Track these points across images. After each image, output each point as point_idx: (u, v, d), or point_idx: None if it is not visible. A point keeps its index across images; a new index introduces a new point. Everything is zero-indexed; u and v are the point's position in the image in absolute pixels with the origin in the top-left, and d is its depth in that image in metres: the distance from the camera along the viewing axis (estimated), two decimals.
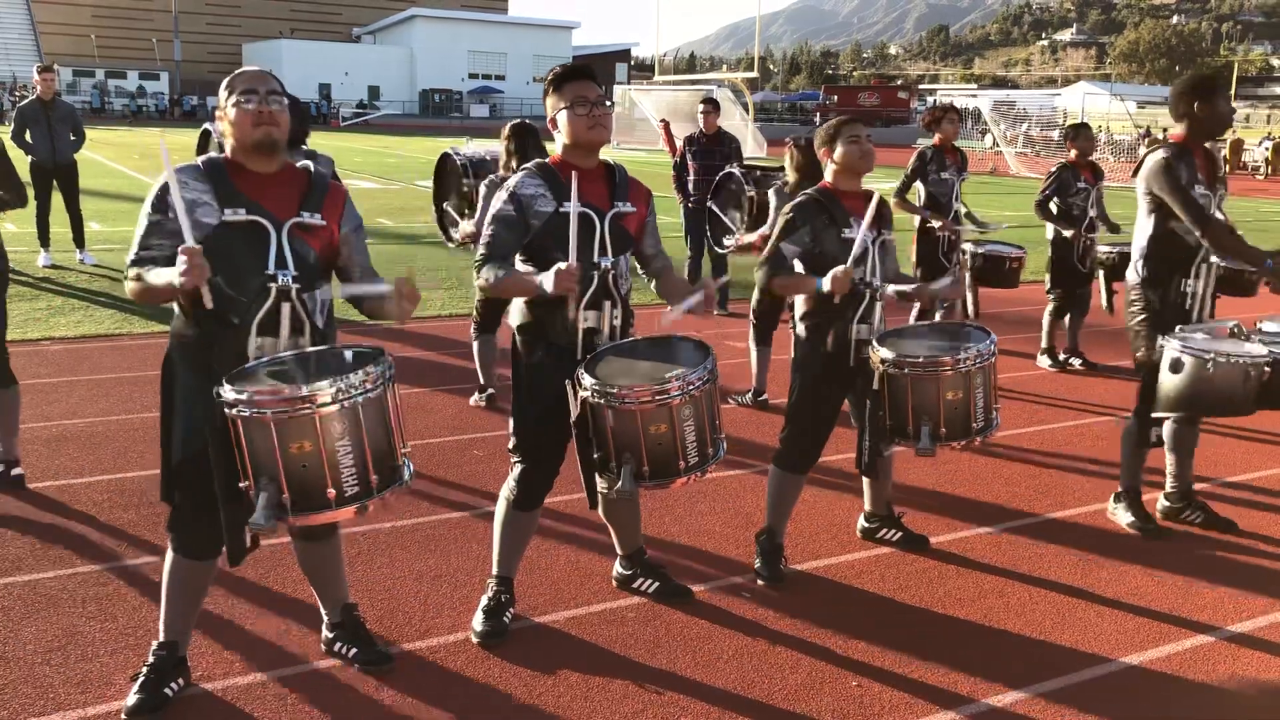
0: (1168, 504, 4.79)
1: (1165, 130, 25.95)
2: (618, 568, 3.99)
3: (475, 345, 6.28)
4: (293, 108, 5.27)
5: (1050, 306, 7.75)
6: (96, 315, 8.38)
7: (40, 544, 4.17)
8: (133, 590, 3.81)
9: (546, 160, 3.49)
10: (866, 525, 4.53)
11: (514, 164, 5.79)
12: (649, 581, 3.92)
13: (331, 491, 2.74)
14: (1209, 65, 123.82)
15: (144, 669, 3.10)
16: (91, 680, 3.22)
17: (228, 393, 2.70)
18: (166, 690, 3.07)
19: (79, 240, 10.66)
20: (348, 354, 2.97)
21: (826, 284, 3.80)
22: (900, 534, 4.46)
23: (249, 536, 2.92)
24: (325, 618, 3.45)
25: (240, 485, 2.76)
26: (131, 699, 3.03)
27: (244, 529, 2.88)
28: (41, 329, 7.89)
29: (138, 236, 2.93)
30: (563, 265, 3.18)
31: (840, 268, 3.77)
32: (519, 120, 5.93)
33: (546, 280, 3.20)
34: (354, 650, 3.37)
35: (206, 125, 5.56)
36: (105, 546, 4.17)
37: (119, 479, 4.90)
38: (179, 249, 2.73)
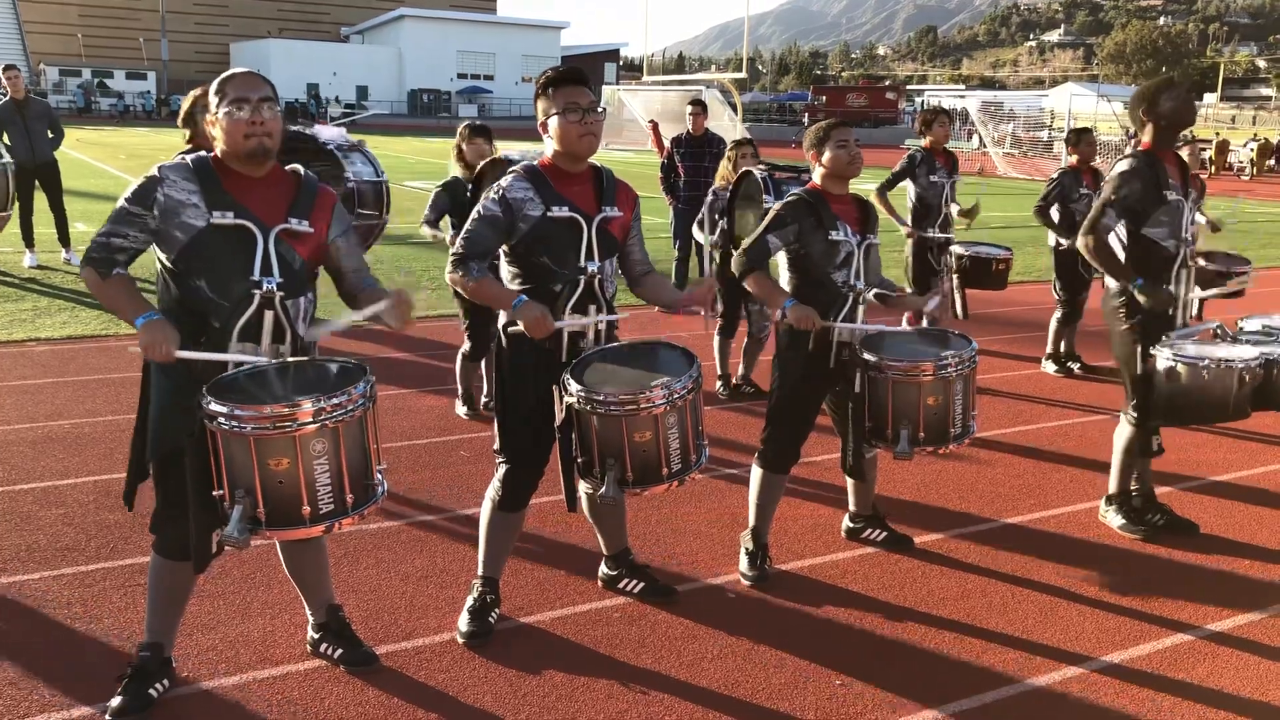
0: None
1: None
2: (603, 568, 4.01)
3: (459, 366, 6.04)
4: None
5: (1058, 313, 7.69)
6: (82, 316, 8.35)
7: (25, 545, 4.17)
8: (118, 591, 3.81)
9: (535, 164, 3.48)
10: (851, 525, 4.55)
11: (463, 168, 5.85)
12: (634, 582, 3.94)
13: (307, 509, 2.74)
14: (1195, 66, 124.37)
15: (129, 670, 3.10)
16: (77, 682, 3.22)
17: (209, 404, 2.69)
18: (151, 691, 3.08)
19: (64, 239, 10.62)
20: (330, 366, 2.94)
21: (792, 314, 3.84)
22: (885, 534, 4.49)
23: (215, 542, 2.92)
24: (310, 618, 3.45)
25: (215, 494, 2.75)
26: (116, 700, 3.03)
27: (211, 535, 2.88)
28: (27, 330, 7.87)
29: (110, 220, 2.87)
30: (544, 315, 3.22)
31: (815, 315, 3.82)
32: (472, 122, 6.06)
33: (522, 313, 3.23)
34: (339, 651, 3.38)
35: None
36: (90, 548, 4.16)
37: (105, 480, 4.89)
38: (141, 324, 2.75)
